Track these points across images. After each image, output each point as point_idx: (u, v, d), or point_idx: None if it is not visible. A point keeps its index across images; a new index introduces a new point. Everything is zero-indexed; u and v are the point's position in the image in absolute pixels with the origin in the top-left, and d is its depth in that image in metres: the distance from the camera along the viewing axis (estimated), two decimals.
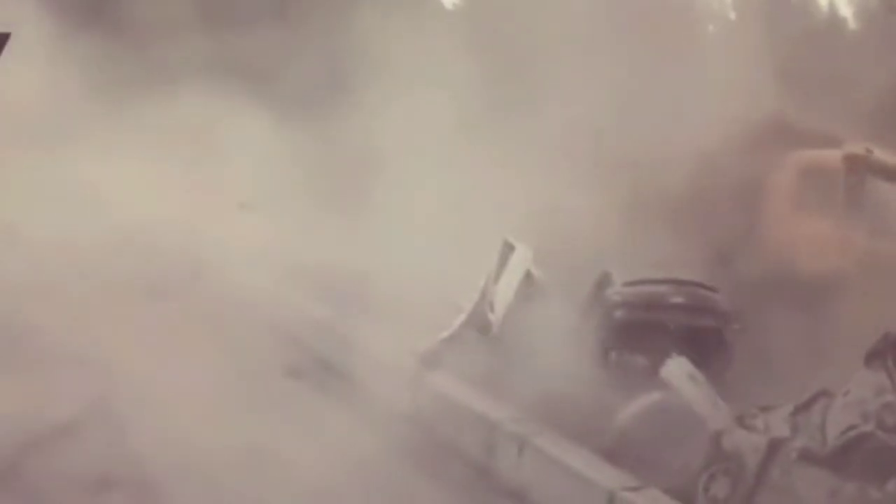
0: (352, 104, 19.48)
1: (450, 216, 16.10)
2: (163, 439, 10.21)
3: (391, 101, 18.70)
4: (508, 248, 13.48)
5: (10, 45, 8.74)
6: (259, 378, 12.83)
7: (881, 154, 15.75)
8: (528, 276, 13.36)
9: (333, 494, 9.59)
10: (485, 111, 18.49)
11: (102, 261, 17.07)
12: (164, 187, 18.82)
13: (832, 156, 15.56)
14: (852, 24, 27.41)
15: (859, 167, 15.44)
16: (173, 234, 18.38)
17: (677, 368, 12.00)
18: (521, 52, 19.51)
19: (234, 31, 23.35)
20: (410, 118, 17.87)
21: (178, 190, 18.85)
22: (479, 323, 13.39)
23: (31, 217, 15.94)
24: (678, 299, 13.39)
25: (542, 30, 19.57)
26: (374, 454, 10.78)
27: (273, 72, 22.10)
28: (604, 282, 13.71)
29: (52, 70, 20.47)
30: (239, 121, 20.27)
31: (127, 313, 14.90)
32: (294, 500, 9.30)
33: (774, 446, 10.35)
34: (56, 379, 11.65)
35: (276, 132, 19.74)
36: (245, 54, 22.64)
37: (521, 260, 13.36)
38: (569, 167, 17.18)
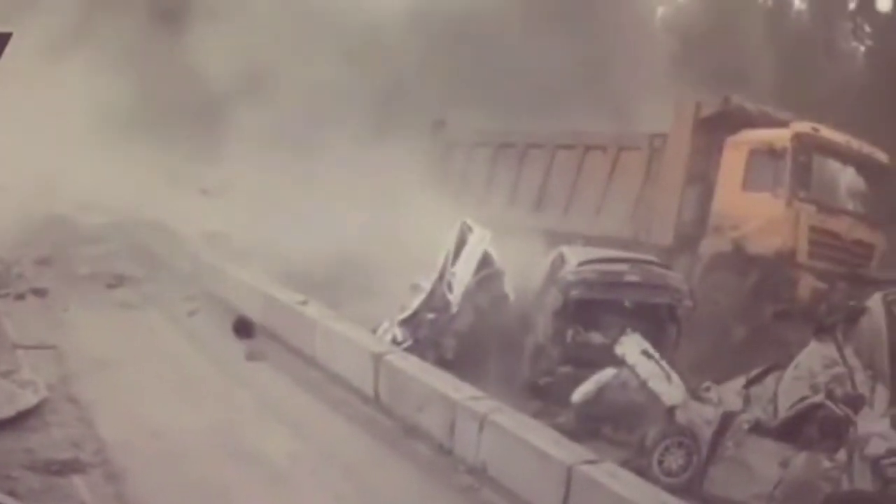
0: None
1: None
2: (127, 423, 10.18)
3: None
4: (467, 229, 13.53)
5: None
6: (221, 362, 12.85)
7: (828, 132, 16.05)
8: (486, 256, 13.42)
9: (296, 475, 9.62)
10: None
11: (65, 250, 17.08)
12: (126, 176, 18.76)
13: (781, 135, 15.81)
14: (798, 3, 27.65)
15: (807, 145, 15.72)
16: (136, 221, 18.39)
17: (632, 345, 12.23)
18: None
19: None
20: None
21: (140, 178, 18.80)
22: (437, 303, 13.50)
23: None
24: (633, 277, 13.41)
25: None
26: (336, 434, 10.85)
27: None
28: (559, 261, 13.79)
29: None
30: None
31: (90, 300, 14.98)
32: (258, 482, 9.31)
33: (727, 419, 10.57)
34: (21, 365, 11.61)
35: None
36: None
37: (479, 241, 13.39)
38: None
